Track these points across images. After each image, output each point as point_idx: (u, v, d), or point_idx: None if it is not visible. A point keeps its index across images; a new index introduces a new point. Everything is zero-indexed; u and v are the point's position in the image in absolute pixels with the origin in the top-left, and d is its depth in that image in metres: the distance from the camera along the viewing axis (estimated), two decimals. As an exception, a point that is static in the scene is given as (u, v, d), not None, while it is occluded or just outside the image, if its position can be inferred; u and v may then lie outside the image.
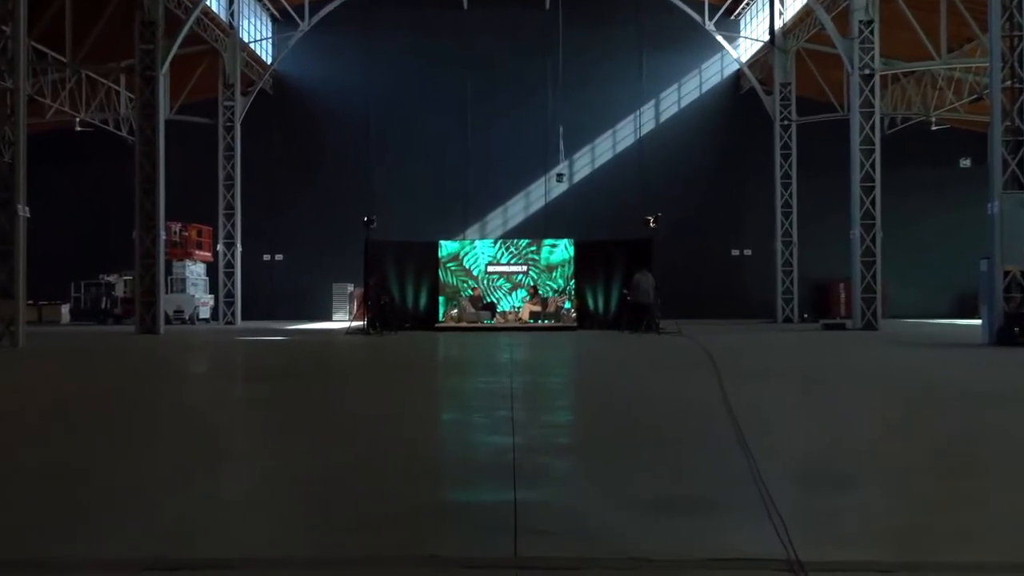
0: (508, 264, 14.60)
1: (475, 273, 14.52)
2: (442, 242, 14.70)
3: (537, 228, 18.27)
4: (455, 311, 13.90)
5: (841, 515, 2.03)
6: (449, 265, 14.46)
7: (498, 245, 14.82)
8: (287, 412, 3.98)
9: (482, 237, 18.40)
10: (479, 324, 13.57)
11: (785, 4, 16.66)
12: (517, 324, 13.61)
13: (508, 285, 14.58)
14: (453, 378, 5.73)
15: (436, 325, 13.45)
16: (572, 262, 14.32)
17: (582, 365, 7.06)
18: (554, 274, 14.48)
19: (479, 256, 14.61)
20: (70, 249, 18.09)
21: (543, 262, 14.53)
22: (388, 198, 18.64)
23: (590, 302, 13.94)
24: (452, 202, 19.01)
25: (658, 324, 11.48)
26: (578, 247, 14.34)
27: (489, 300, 14.39)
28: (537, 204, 19.27)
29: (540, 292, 14.27)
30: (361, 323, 12.47)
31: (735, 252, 19.11)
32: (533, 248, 14.64)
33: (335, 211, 18.69)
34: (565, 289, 14.27)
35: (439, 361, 7.77)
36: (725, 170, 19.01)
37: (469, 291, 14.34)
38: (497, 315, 14.04)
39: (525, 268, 14.54)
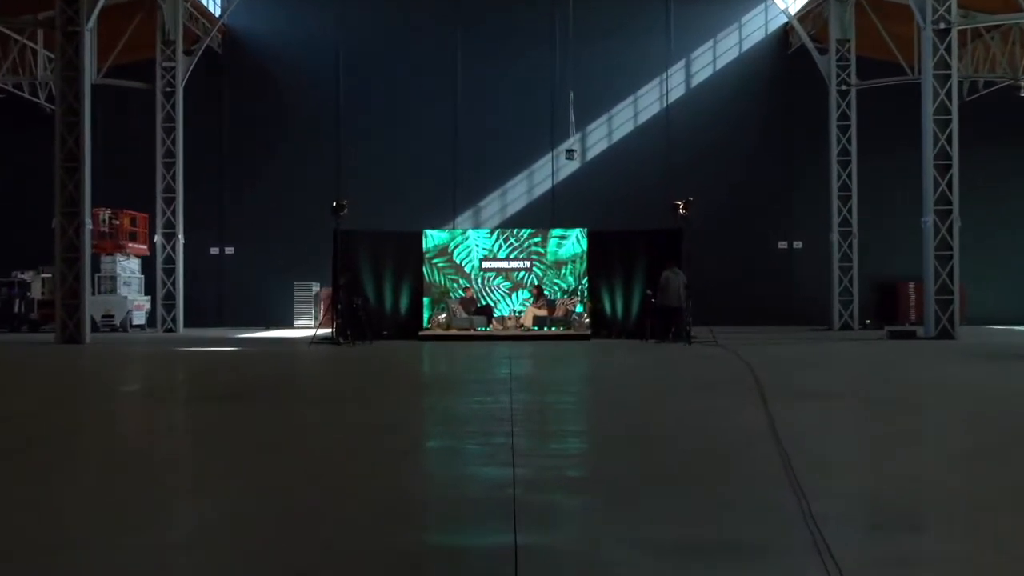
0: (507, 259, 14.63)
1: (467, 270, 14.55)
2: (427, 232, 14.73)
3: (543, 215, 18.32)
4: (443, 316, 13.93)
5: (909, 565, 2.04)
6: (436, 260, 14.49)
7: (495, 236, 14.83)
8: (236, 441, 3.97)
9: (476, 226, 18.44)
10: (472, 332, 13.58)
11: (843, -57, 16.52)
12: (518, 332, 13.63)
13: (507, 285, 14.62)
14: (440, 398, 5.73)
15: (420, 333, 13.47)
16: (585, 257, 14.36)
17: (596, 382, 7.07)
18: (563, 271, 14.51)
19: (472, 249, 14.64)
20: (-26, 242, 18.19)
21: (550, 257, 14.57)
22: (362, 179, 18.71)
23: (607, 305, 14.00)
24: (439, 184, 19.04)
25: (689, 332, 11.51)
26: (592, 239, 14.37)
27: (484, 303, 14.43)
28: (543, 186, 19.31)
29: (546, 293, 14.30)
30: (329, 331, 12.51)
31: (782, 245, 19.13)
32: (538, 240, 14.66)
33: (298, 195, 18.74)
34: (576, 289, 14.31)
35: (423, 377, 7.79)
36: (770, 145, 19.04)
37: (460, 292, 14.38)
38: (494, 321, 14.07)
39: (528, 264, 14.58)
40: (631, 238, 13.95)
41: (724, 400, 5.33)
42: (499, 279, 14.61)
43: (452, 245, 14.58)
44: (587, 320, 13.73)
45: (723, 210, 18.27)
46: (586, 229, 14.58)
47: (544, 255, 14.56)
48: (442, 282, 14.44)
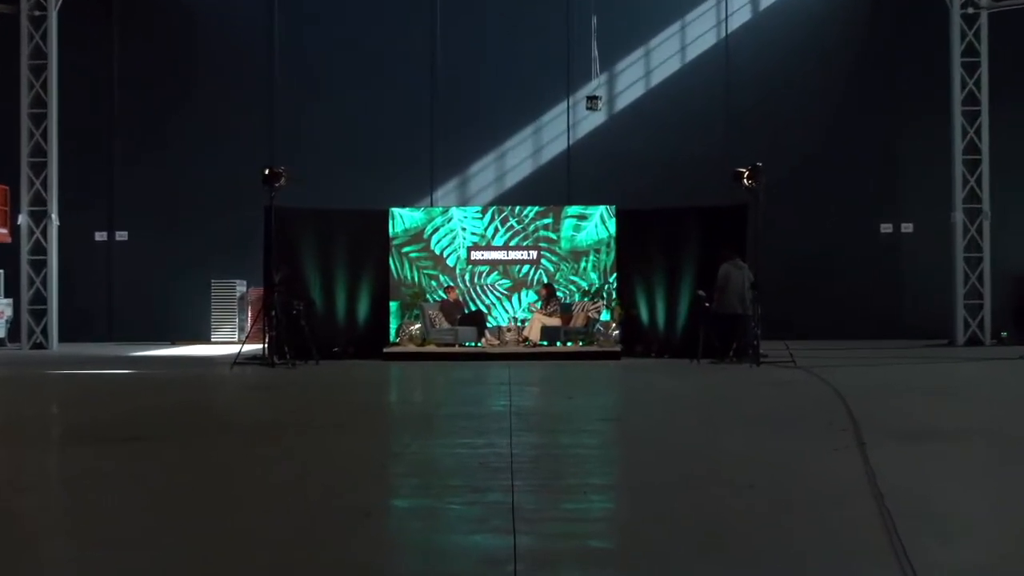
0: (505, 248, 14.69)
1: (450, 263, 14.64)
2: (395, 212, 14.78)
3: (555, 187, 18.37)
4: (416, 326, 13.98)
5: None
6: (407, 250, 14.56)
7: (489, 216, 14.88)
8: (129, 498, 3.98)
9: (462, 203, 18.51)
10: (457, 348, 13.63)
11: None
12: (521, 348, 13.70)
13: (506, 283, 14.69)
14: (414, 440, 5.75)
15: (385, 350, 13.53)
16: (613, 244, 14.44)
17: (630, 418, 7.08)
18: (583, 264, 14.58)
19: (457, 234, 14.70)
20: None
21: (564, 244, 14.65)
22: (305, 140, 18.78)
23: (643, 311, 14.06)
24: (411, 144, 19.11)
25: (758, 348, 11.52)
26: (623, 219, 14.44)
27: (473, 308, 14.48)
28: (555, 148, 19.37)
29: (559, 295, 14.35)
30: (259, 347, 12.57)
31: (885, 228, 19.14)
32: (548, 221, 14.73)
33: (217, 162, 18.78)
34: (601, 290, 14.36)
35: (390, 411, 7.82)
36: (867, 92, 19.06)
37: (440, 293, 14.44)
38: (487, 334, 14.12)
39: (534, 255, 14.63)
40: (677, 219, 13.97)
41: (806, 443, 5.34)
42: (494, 275, 14.67)
43: (429, 229, 14.62)
44: (616, 332, 13.76)
45: (803, 180, 18.30)
46: (614, 206, 14.63)
47: (557, 242, 14.62)
48: (416, 279, 14.49)
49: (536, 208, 14.88)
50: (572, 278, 14.61)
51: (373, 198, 16.49)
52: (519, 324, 14.32)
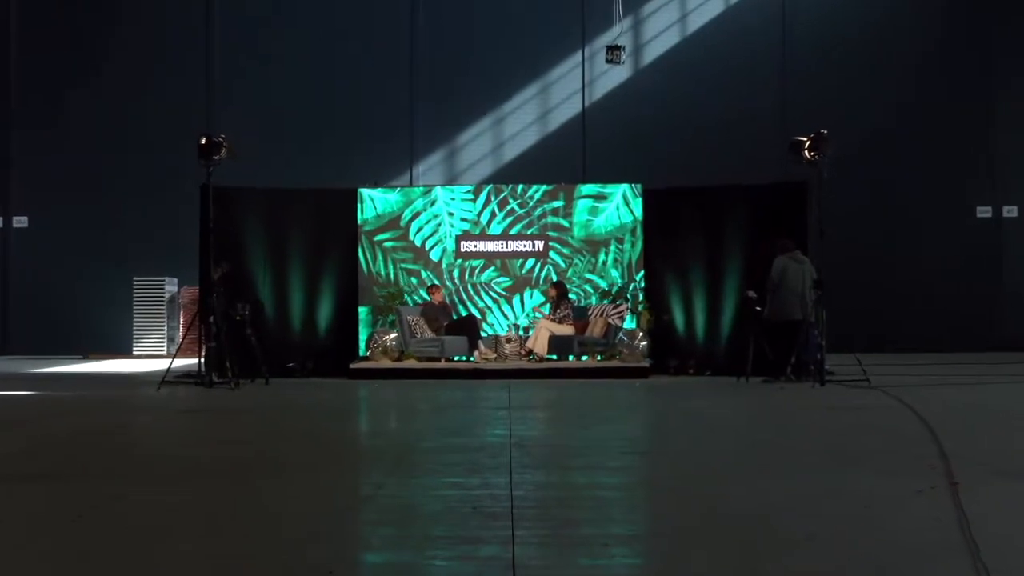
0: (504, 237, 14.70)
1: (434, 256, 14.70)
2: (365, 193, 14.81)
3: (566, 162, 18.43)
4: (392, 336, 14.00)
5: None
6: (380, 239, 14.60)
7: (483, 197, 14.91)
8: (21, 552, 3.95)
9: (449, 182, 18.55)
10: (442, 362, 13.65)
11: None
12: (524, 364, 13.75)
13: (505, 282, 14.72)
14: (389, 478, 5.74)
15: (353, 366, 13.55)
16: (639, 232, 14.50)
17: (662, 451, 7.08)
18: (601, 257, 14.65)
19: (443, 220, 14.76)
20: None
21: (578, 232, 14.72)
22: (250, 105, 18.84)
23: (678, 317, 14.12)
24: (384, 110, 19.16)
25: (822, 364, 11.53)
26: (652, 201, 14.52)
27: (464, 313, 14.55)
28: (566, 111, 19.43)
29: (572, 297, 14.42)
30: (194, 362, 12.62)
31: (983, 213, 19.16)
32: (558, 204, 14.81)
33: (141, 132, 18.90)
34: (625, 290, 14.37)
35: (359, 442, 7.82)
36: (958, 43, 19.04)
37: (422, 294, 14.49)
38: (482, 345, 14.12)
39: (540, 246, 14.64)
40: (720, 200, 14.04)
41: (883, 482, 5.33)
42: (490, 272, 14.72)
43: (408, 213, 14.68)
44: (643, 343, 13.77)
45: (877, 153, 18.34)
46: (640, 185, 14.69)
47: (569, 230, 14.69)
48: (391, 276, 14.52)
49: (543, 187, 14.91)
50: (588, 275, 14.66)
51: (337, 175, 16.54)
52: (521, 333, 14.35)
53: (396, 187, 16.06)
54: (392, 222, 14.62)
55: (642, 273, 14.40)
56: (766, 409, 9.52)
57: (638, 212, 14.49)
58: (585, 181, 15.88)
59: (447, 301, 14.49)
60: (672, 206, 14.31)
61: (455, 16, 19.11)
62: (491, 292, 14.75)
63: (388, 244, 14.60)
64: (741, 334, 12.82)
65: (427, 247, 14.69)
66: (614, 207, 14.63)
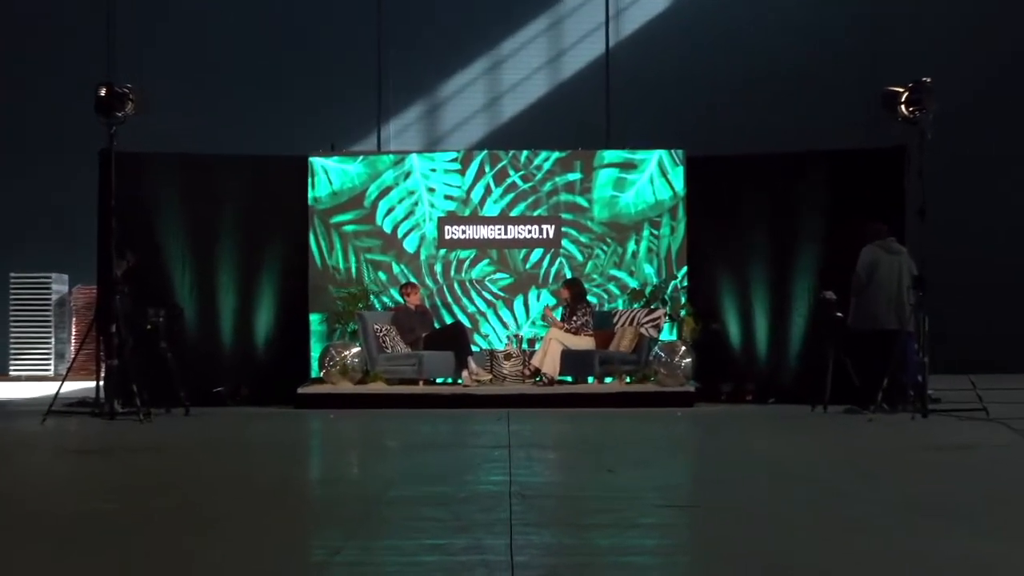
0: (502, 220, 14.70)
1: (410, 246, 14.71)
2: (318, 162, 14.82)
3: (584, 121, 18.36)
4: (354, 351, 13.97)
5: None
6: (338, 221, 14.66)
7: (474, 167, 14.90)
8: None
9: (428, 148, 18.52)
10: (420, 385, 13.69)
11: None
12: (528, 387, 13.73)
13: (503, 279, 14.76)
14: (348, 542, 5.69)
15: (301, 390, 13.56)
16: (681, 214, 14.49)
17: (706, 504, 7.04)
18: (630, 247, 14.67)
19: (420, 197, 14.76)
20: None
21: (600, 213, 14.79)
22: (164, 46, 18.78)
23: (731, 326, 14.16)
24: (344, 53, 19.19)
25: (925, 388, 11.53)
26: (698, 172, 14.55)
27: (449, 320, 14.58)
28: (584, 55, 19.46)
29: (591, 299, 14.43)
30: (91, 385, 12.57)
31: None
32: (574, 176, 14.79)
33: (15, 83, 18.91)
34: (661, 290, 14.35)
35: (308, 495, 7.79)
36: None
37: (394, 295, 14.54)
38: (472, 362, 14.11)
39: (550, 231, 14.73)
40: (787, 170, 14.05)
41: (1008, 547, 5.32)
42: (483, 266, 14.72)
43: (375, 189, 14.70)
44: (686, 360, 13.73)
45: (989, 113, 18.28)
46: (682, 151, 14.68)
47: (587, 210, 14.70)
48: (352, 271, 14.56)
49: (553, 154, 14.89)
50: (613, 271, 14.67)
51: (282, 139, 16.53)
52: (525, 347, 14.33)
53: (359, 154, 15.94)
54: (354, 200, 14.59)
55: (685, 268, 14.37)
56: (850, 449, 9.42)
57: (679, 187, 14.46)
58: (610, 146, 15.83)
59: (426, 305, 14.45)
60: (725, 179, 14.27)
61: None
62: (485, 293, 14.74)
63: (348, 229, 14.56)
64: (817, 349, 12.79)
65: (400, 233, 14.65)
66: (647, 180, 14.58)
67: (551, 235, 14.64)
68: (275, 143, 16.17)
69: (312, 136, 16.80)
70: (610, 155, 14.88)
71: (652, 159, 14.61)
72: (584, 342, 13.86)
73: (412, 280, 14.42)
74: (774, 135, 16.04)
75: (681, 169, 14.46)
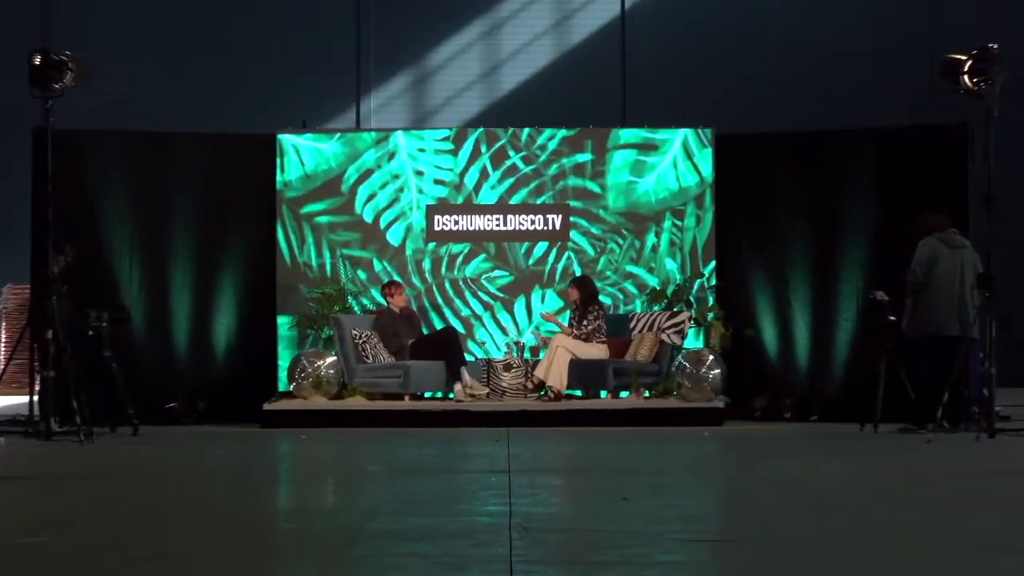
0: (500, 208, 14.76)
1: (394, 238, 14.74)
2: (287, 140, 14.82)
3: (597, 96, 18.31)
4: (329, 360, 13.94)
5: None
6: (310, 210, 14.68)
7: (468, 147, 14.90)
8: None
9: (415, 125, 18.47)
10: (406, 400, 13.72)
11: None
12: (531, 403, 13.73)
13: (503, 278, 14.78)
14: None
15: (269, 406, 13.56)
16: (709, 202, 14.54)
17: (738, 539, 7.03)
18: (651, 240, 14.68)
19: (407, 183, 14.78)
20: None
21: (615, 202, 14.82)
22: (114, 14, 18.74)
23: (766, 331, 14.20)
24: (317, 16, 19.23)
25: (991, 404, 11.51)
26: (728, 153, 14.56)
27: (440, 325, 14.60)
28: (595, 18, 19.43)
29: (603, 300, 14.43)
30: (24, 400, 12.61)
31: None
32: (584, 157, 14.80)
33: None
34: (686, 290, 14.36)
35: (275, 529, 7.77)
36: None
37: (376, 296, 14.56)
38: (466, 373, 14.07)
39: (557, 221, 14.75)
40: (832, 152, 14.04)
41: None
42: (479, 262, 14.72)
43: (354, 172, 14.72)
44: (715, 371, 13.69)
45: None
46: (710, 129, 14.68)
47: (600, 197, 14.74)
48: (327, 268, 14.55)
49: (560, 132, 14.86)
50: (630, 267, 14.65)
51: (247, 115, 16.50)
52: (528, 356, 14.30)
53: (335, 132, 15.91)
54: (329, 185, 14.54)
55: (712, 265, 14.37)
56: (905, 474, 9.43)
57: (707, 171, 14.41)
58: (626, 124, 15.79)
59: (413, 307, 14.42)
60: (760, 162, 14.28)
61: None
62: (481, 294, 14.71)
63: (323, 220, 14.52)
64: (866, 358, 12.82)
65: (382, 224, 14.62)
66: (670, 163, 14.53)
67: (558, 226, 14.60)
68: (240, 120, 16.14)
69: (282, 112, 16.78)
70: (627, 134, 14.85)
71: (676, 139, 14.57)
72: (596, 350, 13.82)
73: (396, 279, 14.38)
74: (815, 112, 16.02)
75: (709, 151, 14.44)
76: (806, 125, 14.67)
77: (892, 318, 12.26)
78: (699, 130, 14.56)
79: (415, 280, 14.58)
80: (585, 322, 13.90)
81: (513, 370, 14.09)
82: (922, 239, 12.13)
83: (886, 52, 18.21)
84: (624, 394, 13.78)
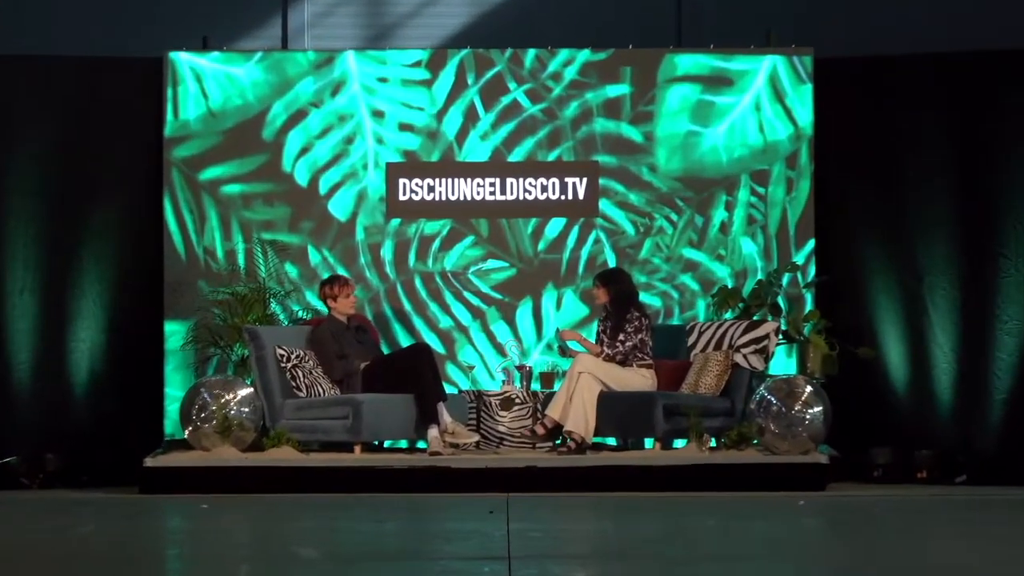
0: (494, 168, 15.11)
1: (339, 212, 15.04)
2: (182, 62, 15.13)
3: (636, 2, 18.45)
4: (241, 395, 14.01)
5: None
6: (214, 175, 15.02)
7: (447, 75, 15.23)
8: None
9: (372, 44, 18.52)
10: (355, 452, 13.83)
11: None
12: (544, 455, 13.87)
13: (502, 271, 15.10)
14: None
15: (151, 462, 13.61)
16: (805, 160, 14.75)
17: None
18: (719, 215, 14.99)
19: (359, 130, 15.11)
20: None
21: (665, 161, 15.07)
22: None
23: (891, 352, 14.36)
24: None
25: None
26: (836, 89, 14.85)
27: (408, 342, 14.76)
28: None
29: (644, 303, 14.50)
30: None
31: None
32: (619, 90, 14.99)
33: None
34: (765, 290, 14.57)
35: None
36: None
37: (311, 300, 14.76)
38: (447, 419, 14.10)
39: (580, 187, 15.02)
40: (998, 80, 14.25)
41: None
42: (463, 247, 14.96)
43: (281, 111, 14.96)
44: (815, 409, 13.67)
45: None
46: (810, 56, 14.81)
47: (643, 151, 14.93)
48: (240, 258, 14.77)
49: (584, 54, 15.11)
50: (687, 252, 14.81)
51: (127, 33, 16.51)
52: (536, 387, 14.38)
53: (254, 52, 15.95)
54: (243, 132, 14.73)
55: (811, 250, 14.49)
56: None
57: (804, 116, 14.60)
58: (683, 46, 15.75)
59: (367, 315, 14.59)
60: (884, 101, 14.43)
61: None
62: (468, 295, 14.85)
63: (232, 189, 14.74)
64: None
65: (323, 190, 14.80)
66: (750, 105, 14.76)
67: (581, 194, 14.76)
68: (113, 38, 16.15)
69: (176, 26, 16.79)
70: (685, 61, 15.00)
71: (759, 69, 14.78)
72: (636, 379, 13.90)
73: (342, 273, 14.43)
74: (956, 28, 15.98)
75: (808, 87, 14.60)
76: (958, 45, 14.60)
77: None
78: (793, 58, 14.67)
79: (370, 275, 14.73)
80: (621, 336, 13.92)
81: (515, 408, 14.10)
82: None
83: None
84: (679, 443, 13.80)
